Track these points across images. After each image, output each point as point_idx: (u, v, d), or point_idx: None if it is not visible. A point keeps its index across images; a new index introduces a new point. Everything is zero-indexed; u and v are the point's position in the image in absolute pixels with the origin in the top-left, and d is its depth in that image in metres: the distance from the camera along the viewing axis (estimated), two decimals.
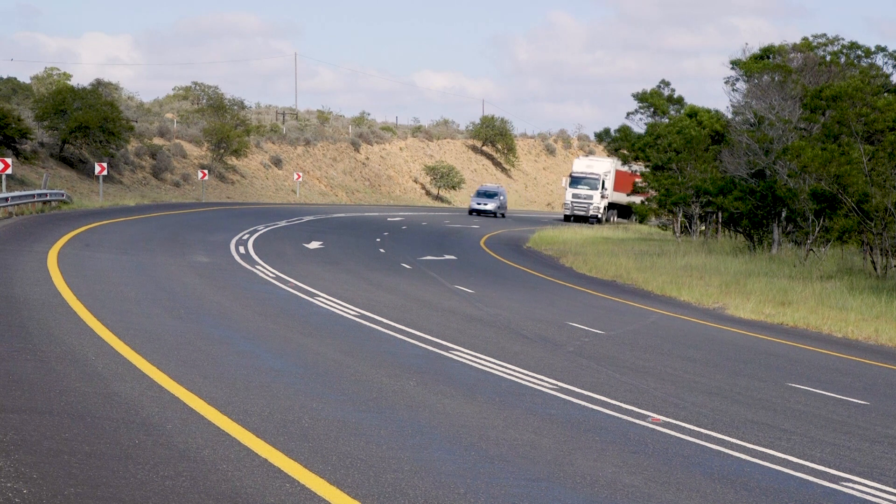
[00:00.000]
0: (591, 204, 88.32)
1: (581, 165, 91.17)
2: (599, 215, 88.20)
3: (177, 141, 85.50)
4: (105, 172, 63.56)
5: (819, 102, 50.58)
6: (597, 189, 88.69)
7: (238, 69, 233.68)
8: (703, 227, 63.70)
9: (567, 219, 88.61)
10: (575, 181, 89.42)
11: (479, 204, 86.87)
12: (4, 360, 15.04)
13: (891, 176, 40.69)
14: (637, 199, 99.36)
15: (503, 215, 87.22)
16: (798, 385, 19.52)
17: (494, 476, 11.41)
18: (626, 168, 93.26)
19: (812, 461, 13.42)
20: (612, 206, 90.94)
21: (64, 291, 22.58)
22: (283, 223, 54.50)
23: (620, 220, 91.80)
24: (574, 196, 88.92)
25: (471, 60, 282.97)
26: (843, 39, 59.78)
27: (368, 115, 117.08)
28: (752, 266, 43.51)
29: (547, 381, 17.28)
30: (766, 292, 35.04)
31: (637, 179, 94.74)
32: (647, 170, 70.42)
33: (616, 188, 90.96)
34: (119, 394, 13.60)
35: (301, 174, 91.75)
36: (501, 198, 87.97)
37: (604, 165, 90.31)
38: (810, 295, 34.53)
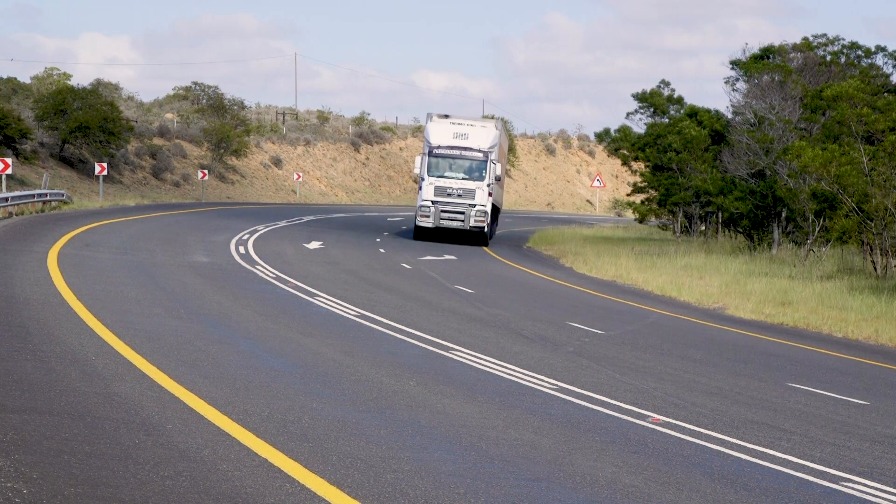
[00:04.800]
0: (474, 206, 49.35)
1: (445, 134, 49.61)
2: (486, 227, 49.89)
3: (177, 141, 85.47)
4: (105, 172, 63.56)
5: (819, 103, 50.62)
6: (482, 179, 49.48)
7: (238, 69, 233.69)
8: (703, 228, 63.70)
9: (420, 233, 50.34)
10: (439, 164, 49.53)
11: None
12: (4, 360, 15.04)
13: (891, 176, 40.68)
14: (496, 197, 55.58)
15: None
16: (798, 385, 19.51)
17: (494, 476, 11.41)
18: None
19: (812, 461, 13.42)
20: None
21: (64, 291, 22.57)
22: (283, 223, 54.50)
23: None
24: (439, 192, 49.34)
25: (470, 60, 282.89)
26: (843, 39, 59.81)
27: (368, 115, 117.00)
28: (752, 266, 43.52)
29: (547, 381, 17.28)
30: (766, 292, 35.04)
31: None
32: (647, 169, 70.31)
33: None
34: (119, 394, 13.59)
35: (301, 174, 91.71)
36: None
37: (486, 134, 49.91)
38: (810, 295, 34.53)
